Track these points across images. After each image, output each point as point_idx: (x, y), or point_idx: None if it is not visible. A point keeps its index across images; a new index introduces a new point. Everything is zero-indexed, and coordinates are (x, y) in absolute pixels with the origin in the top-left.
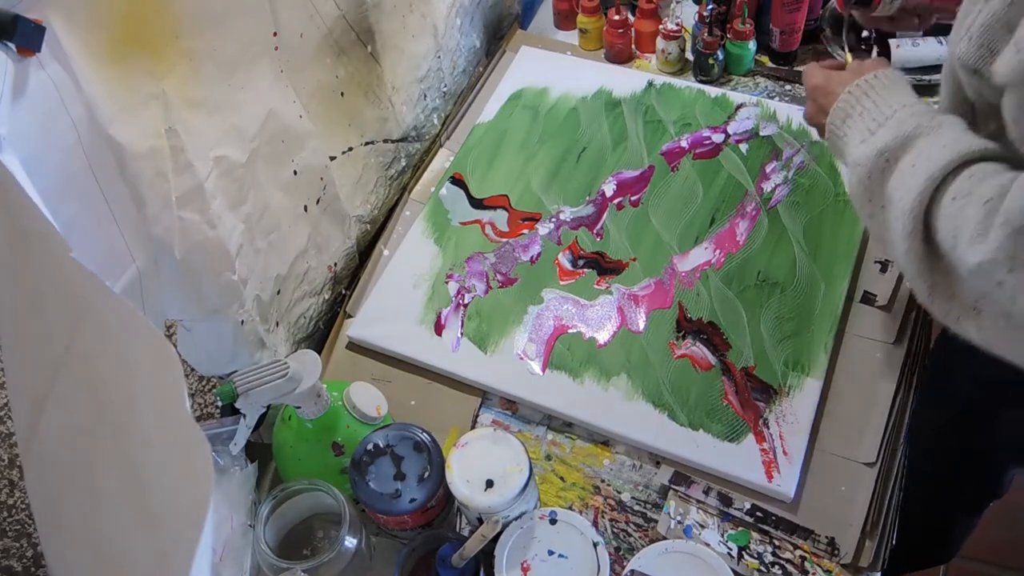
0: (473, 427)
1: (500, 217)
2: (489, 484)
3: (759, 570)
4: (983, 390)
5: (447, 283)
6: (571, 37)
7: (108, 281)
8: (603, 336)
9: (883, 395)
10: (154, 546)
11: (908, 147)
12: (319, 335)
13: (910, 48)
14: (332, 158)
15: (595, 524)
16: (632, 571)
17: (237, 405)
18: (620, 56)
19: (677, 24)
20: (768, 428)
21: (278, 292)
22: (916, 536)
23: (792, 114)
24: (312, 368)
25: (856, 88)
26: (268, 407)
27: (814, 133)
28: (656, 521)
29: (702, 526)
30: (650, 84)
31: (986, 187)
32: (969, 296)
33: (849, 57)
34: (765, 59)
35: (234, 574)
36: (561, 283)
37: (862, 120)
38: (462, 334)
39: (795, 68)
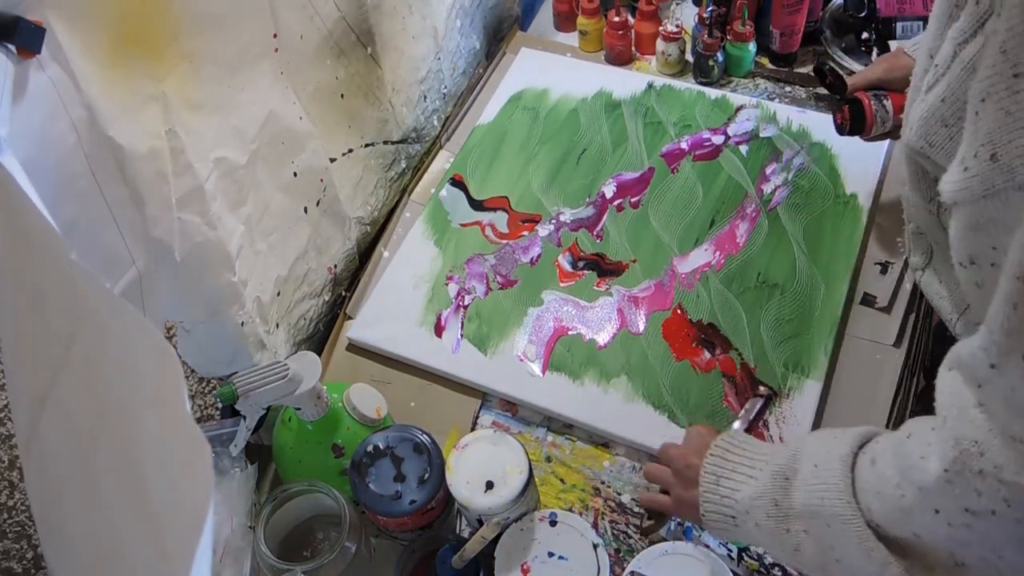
0: (473, 429)
1: (500, 219)
2: (489, 486)
3: (759, 571)
4: None
5: (447, 285)
6: (571, 39)
7: (108, 282)
8: (603, 338)
9: (883, 397)
10: (154, 548)
11: (799, 459)
12: (319, 336)
13: (911, 50)
14: (332, 160)
15: (595, 526)
16: (632, 572)
17: (237, 407)
18: (620, 58)
19: (677, 26)
20: (768, 430)
21: (278, 293)
22: None
23: (792, 116)
24: (312, 370)
25: (716, 449)
26: (268, 409)
27: (814, 134)
28: (656, 522)
29: (702, 527)
30: (650, 86)
31: (891, 445)
32: (944, 555)
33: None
34: (765, 61)
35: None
36: (561, 285)
37: (738, 470)
38: (462, 336)
39: (795, 70)
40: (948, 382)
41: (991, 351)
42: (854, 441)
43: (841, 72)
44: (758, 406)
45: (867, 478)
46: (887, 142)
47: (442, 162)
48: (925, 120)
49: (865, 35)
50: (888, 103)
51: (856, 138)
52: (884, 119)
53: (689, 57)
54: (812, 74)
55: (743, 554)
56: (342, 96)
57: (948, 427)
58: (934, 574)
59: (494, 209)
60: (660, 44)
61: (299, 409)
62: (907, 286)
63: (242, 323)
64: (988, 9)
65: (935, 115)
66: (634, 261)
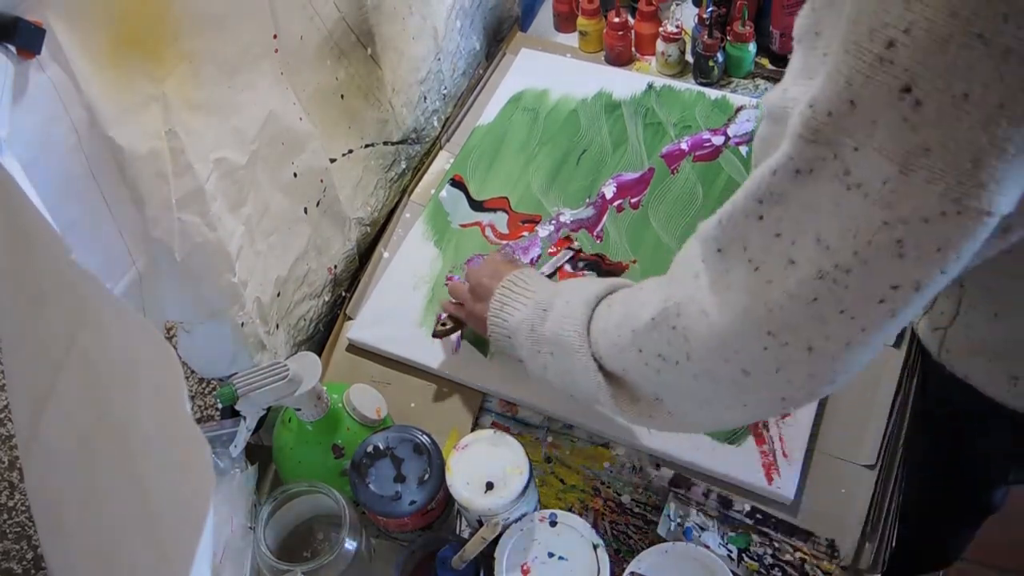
0: (473, 429)
1: (500, 219)
2: (489, 486)
3: (759, 572)
4: (964, 408)
5: (447, 285)
6: (571, 39)
7: (108, 283)
8: None
9: (883, 397)
10: (154, 548)
11: (558, 296)
12: (319, 337)
13: None
14: (332, 160)
15: (595, 526)
16: (632, 573)
17: (237, 407)
18: (620, 58)
19: (677, 26)
20: (768, 430)
21: (278, 294)
22: (915, 539)
23: None
24: (312, 370)
25: (507, 280)
26: (268, 409)
27: None
28: (656, 523)
29: (702, 528)
30: (650, 86)
31: (627, 298)
32: (647, 392)
33: None
34: (765, 61)
35: None
36: None
37: (518, 299)
38: (462, 336)
39: None
40: (687, 247)
41: (720, 238)
42: (603, 289)
43: None
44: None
45: (600, 317)
46: None
47: (442, 163)
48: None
49: None
50: None
51: None
52: None
53: (689, 58)
54: None
55: (743, 554)
56: (342, 97)
57: (666, 284)
58: (639, 405)
59: (494, 210)
60: (660, 45)
61: (299, 410)
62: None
63: (242, 324)
64: None
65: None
66: (634, 262)
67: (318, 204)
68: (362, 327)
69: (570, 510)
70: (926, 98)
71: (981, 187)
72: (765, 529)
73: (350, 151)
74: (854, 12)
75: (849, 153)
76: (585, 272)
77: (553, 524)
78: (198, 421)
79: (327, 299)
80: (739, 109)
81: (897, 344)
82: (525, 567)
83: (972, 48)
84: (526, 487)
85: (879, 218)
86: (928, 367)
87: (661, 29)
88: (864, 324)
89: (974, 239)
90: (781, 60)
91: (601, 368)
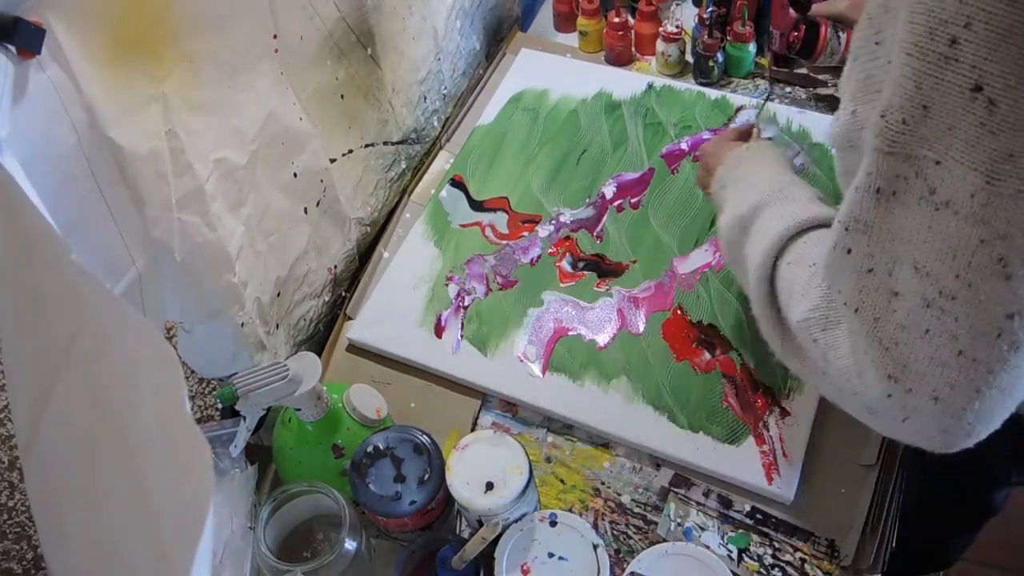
0: (473, 429)
1: (500, 219)
2: (489, 486)
3: (759, 572)
4: None
5: (447, 285)
6: (571, 39)
7: (108, 283)
8: (603, 338)
9: None
10: (154, 548)
11: (758, 215)
12: (319, 337)
13: None
14: (332, 160)
15: (595, 526)
16: (632, 573)
17: (237, 407)
18: (620, 58)
19: (677, 26)
20: (768, 430)
21: (278, 294)
22: (916, 539)
23: (792, 116)
24: (312, 370)
25: (734, 158)
26: (268, 409)
27: (814, 134)
28: (656, 523)
29: (702, 528)
30: (650, 86)
31: (815, 252)
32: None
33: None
34: (765, 61)
35: None
36: (561, 285)
37: (736, 188)
38: (462, 336)
39: (795, 71)
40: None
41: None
42: (807, 220)
43: None
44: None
45: (791, 250)
46: None
47: (442, 163)
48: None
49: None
50: (843, 37)
51: None
52: (834, 50)
53: (689, 58)
54: None
55: (743, 554)
56: (342, 97)
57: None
58: (804, 363)
59: (494, 210)
60: (660, 45)
61: (299, 410)
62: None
63: (242, 324)
64: None
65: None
66: (634, 262)
67: (318, 204)
68: (362, 327)
69: (570, 510)
70: (1000, 96)
71: None
72: (765, 529)
73: (350, 151)
74: (909, 13)
75: (931, 168)
76: (584, 272)
77: (553, 524)
78: (198, 421)
79: (327, 299)
80: (739, 109)
81: None
82: (525, 567)
83: None
84: (526, 487)
85: (975, 236)
86: None
87: (661, 29)
88: (989, 365)
89: None
90: (781, 60)
91: (778, 314)
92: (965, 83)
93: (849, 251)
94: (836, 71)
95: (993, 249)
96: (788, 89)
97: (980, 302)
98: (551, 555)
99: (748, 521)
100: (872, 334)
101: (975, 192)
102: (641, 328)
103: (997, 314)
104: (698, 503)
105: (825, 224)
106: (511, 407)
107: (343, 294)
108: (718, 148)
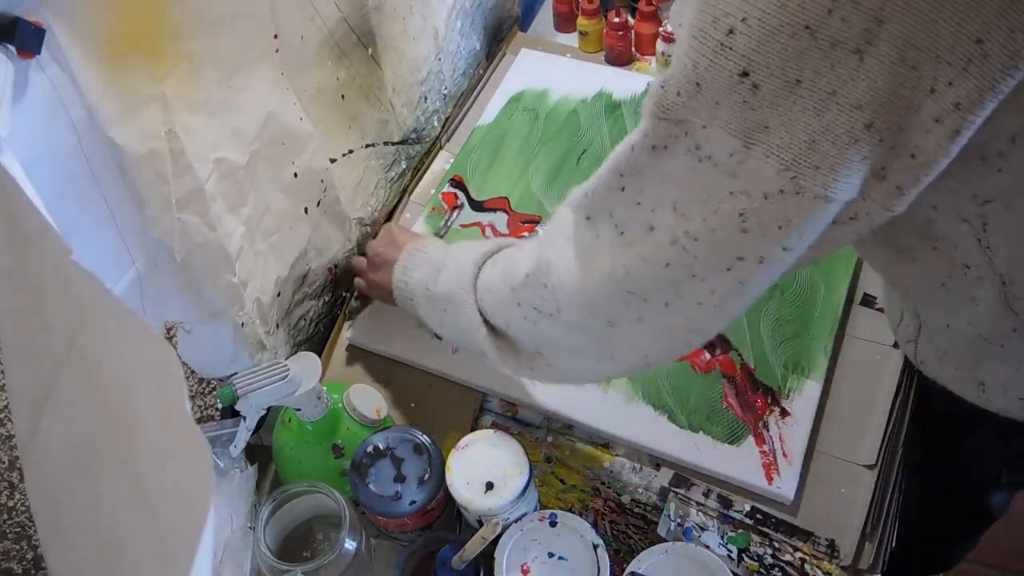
0: (473, 429)
1: (500, 219)
2: (489, 486)
3: (759, 572)
4: (953, 410)
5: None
6: (571, 39)
7: (108, 283)
8: None
9: (883, 397)
10: (154, 548)
11: (449, 256)
12: (319, 337)
13: None
14: (332, 160)
15: (595, 526)
16: (632, 573)
17: (237, 407)
18: (620, 58)
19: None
20: (768, 430)
21: (278, 294)
22: (915, 540)
23: None
24: (312, 370)
25: (409, 247)
26: (268, 409)
27: None
28: (656, 523)
29: (702, 528)
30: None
31: (518, 255)
32: (528, 345)
33: None
34: None
35: None
36: None
37: (418, 265)
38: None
39: None
40: (559, 213)
41: (587, 207)
42: (490, 248)
43: None
44: (455, 216)
45: (486, 274)
46: None
47: (442, 163)
48: None
49: None
50: None
51: None
52: None
53: None
54: None
55: (743, 554)
56: (343, 97)
57: (541, 244)
58: (520, 357)
59: (494, 210)
60: (660, 45)
61: (299, 410)
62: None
63: (242, 324)
64: None
65: None
66: None
67: (318, 204)
68: (362, 327)
69: (570, 510)
70: (762, 82)
71: (816, 169)
72: (765, 529)
73: (350, 151)
74: (701, 1)
75: (698, 130)
76: None
77: (553, 524)
78: (198, 421)
79: (327, 299)
80: None
81: (897, 344)
82: (525, 567)
83: (800, 38)
84: (526, 487)
85: (726, 187)
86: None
87: (661, 29)
88: (713, 287)
89: (814, 221)
90: None
91: (486, 322)
92: (735, 68)
93: (623, 189)
94: None
95: (737, 202)
96: None
97: (717, 246)
98: (551, 555)
99: (748, 521)
100: (619, 258)
101: (733, 151)
102: None
103: (730, 255)
104: (698, 503)
105: (507, 247)
106: (511, 407)
107: (343, 294)
108: (376, 246)
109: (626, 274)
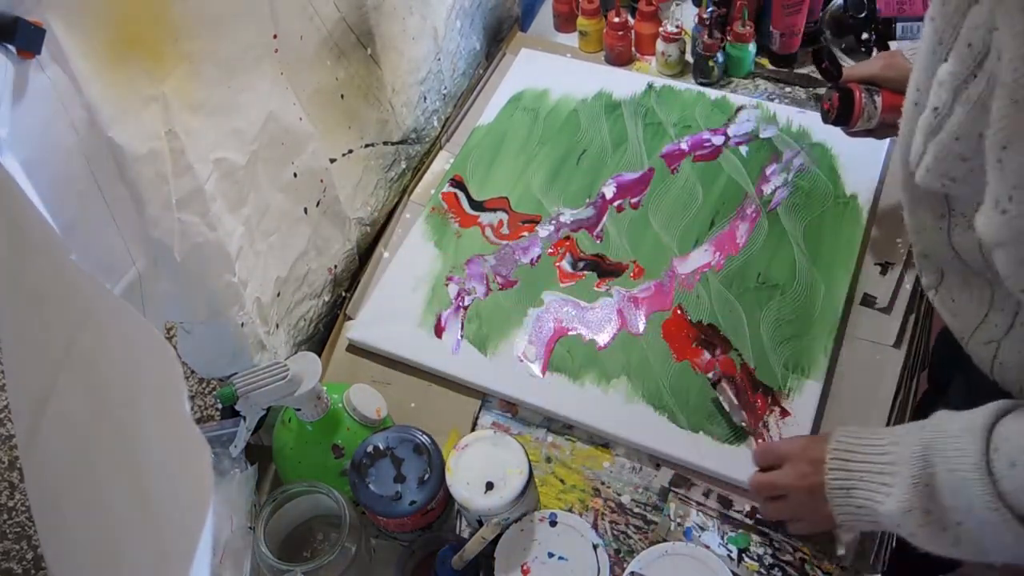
0: (473, 429)
1: (500, 219)
2: (489, 486)
3: (759, 572)
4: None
5: (447, 285)
6: (571, 39)
7: (108, 283)
8: (603, 338)
9: (883, 397)
10: (154, 548)
11: (932, 462)
12: (319, 337)
13: (909, 55)
14: (332, 160)
15: (595, 526)
16: (632, 573)
17: (237, 407)
18: (620, 58)
19: (677, 26)
20: (768, 430)
21: (278, 294)
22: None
23: (792, 116)
24: (312, 370)
25: (834, 461)
26: (268, 409)
27: (814, 134)
28: (656, 523)
29: (702, 528)
30: (650, 86)
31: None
32: None
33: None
34: (765, 61)
35: None
36: (561, 285)
37: (867, 479)
38: (462, 336)
39: (795, 71)
40: None
41: None
42: (991, 414)
43: (840, 62)
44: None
45: (1006, 476)
46: (887, 142)
47: (442, 163)
48: (941, 160)
49: (865, 36)
50: (879, 100)
51: (861, 140)
52: (871, 115)
53: (689, 58)
54: (812, 54)
55: (743, 554)
56: (342, 97)
57: None
58: None
59: (494, 210)
60: (660, 45)
61: (299, 410)
62: (907, 287)
63: (242, 324)
64: (983, 50)
65: (951, 154)
66: (634, 262)
67: (318, 204)
68: (362, 327)
69: (570, 510)
70: None
71: None
72: (765, 529)
73: (350, 151)
74: None
75: None
76: (584, 272)
77: (553, 524)
78: (198, 421)
79: (327, 299)
80: (739, 109)
81: (897, 344)
82: (525, 567)
83: None
84: (526, 487)
85: None
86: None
87: (661, 29)
88: None
89: None
90: (781, 60)
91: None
92: None
93: None
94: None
95: None
96: (788, 89)
97: None
98: (551, 555)
99: (748, 521)
100: None
101: None
102: (641, 328)
103: None
104: (698, 503)
105: (1004, 412)
106: (511, 407)
107: (343, 294)
108: (788, 473)
109: None
